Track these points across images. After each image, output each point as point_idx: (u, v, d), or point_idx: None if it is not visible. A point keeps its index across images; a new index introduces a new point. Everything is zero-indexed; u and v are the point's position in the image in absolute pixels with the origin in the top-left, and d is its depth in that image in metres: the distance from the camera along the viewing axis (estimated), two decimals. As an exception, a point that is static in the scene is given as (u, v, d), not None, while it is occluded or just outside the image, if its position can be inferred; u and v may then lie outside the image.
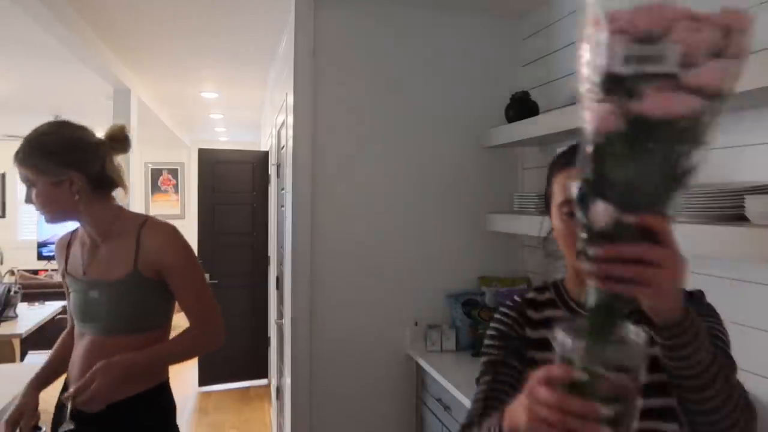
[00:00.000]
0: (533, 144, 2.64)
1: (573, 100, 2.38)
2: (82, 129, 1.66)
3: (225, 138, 8.92)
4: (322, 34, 2.67)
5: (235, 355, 5.27)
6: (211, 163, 5.24)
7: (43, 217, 1.58)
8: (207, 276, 5.09)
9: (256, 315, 5.30)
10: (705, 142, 0.62)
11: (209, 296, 1.63)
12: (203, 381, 5.20)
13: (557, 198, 0.99)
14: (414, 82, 2.77)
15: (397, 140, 2.75)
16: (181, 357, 1.61)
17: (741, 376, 1.48)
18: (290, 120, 2.78)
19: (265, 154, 5.41)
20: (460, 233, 2.81)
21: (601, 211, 0.62)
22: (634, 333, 0.65)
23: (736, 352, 1.64)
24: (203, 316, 1.60)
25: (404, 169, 2.76)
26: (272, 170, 4.54)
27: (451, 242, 2.81)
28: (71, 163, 1.55)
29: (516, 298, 1.09)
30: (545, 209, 1.06)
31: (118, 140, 1.73)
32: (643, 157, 0.60)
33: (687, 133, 0.59)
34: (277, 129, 3.81)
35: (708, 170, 1.83)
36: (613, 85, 0.59)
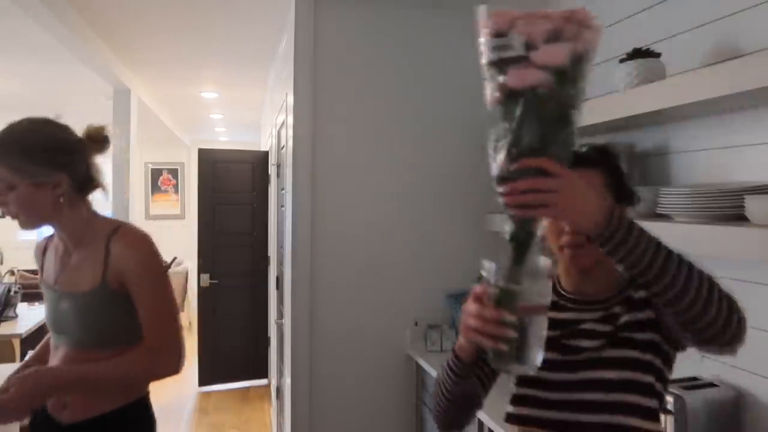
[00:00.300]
0: (533, 144, 2.64)
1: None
2: (65, 128, 1.49)
3: (225, 138, 8.92)
4: (322, 34, 2.67)
5: (235, 355, 5.27)
6: (211, 163, 5.24)
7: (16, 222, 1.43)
8: (207, 276, 5.11)
9: (256, 315, 5.29)
10: (568, 106, 0.83)
11: (171, 318, 1.44)
12: (203, 381, 5.20)
13: None
14: (414, 81, 2.77)
15: (397, 140, 2.75)
16: (121, 381, 1.42)
17: (742, 376, 1.47)
18: (290, 120, 2.78)
19: (265, 154, 5.40)
20: (460, 233, 2.81)
21: (502, 160, 0.84)
22: (542, 260, 0.88)
23: (738, 351, 1.64)
24: (157, 339, 1.41)
25: (404, 169, 2.76)
26: (272, 170, 4.54)
27: (451, 242, 2.81)
28: (59, 164, 1.42)
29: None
30: None
31: (97, 141, 1.54)
32: (521, 118, 0.82)
33: (543, 98, 0.81)
34: (277, 129, 3.81)
35: (708, 170, 1.84)
36: (492, 69, 0.86)
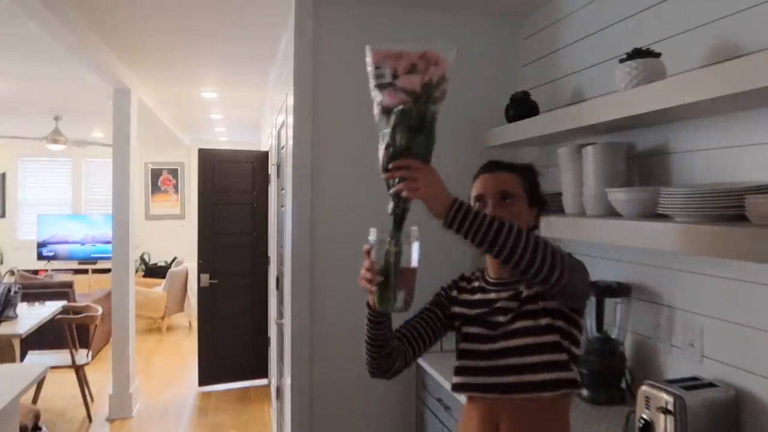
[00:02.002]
0: (533, 144, 2.64)
1: (573, 100, 2.38)
2: None
3: (225, 138, 8.92)
4: (322, 35, 2.67)
5: (235, 355, 5.27)
6: (211, 163, 5.24)
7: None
8: (207, 276, 5.12)
9: (256, 315, 5.29)
10: (423, 119, 1.21)
11: None
12: (203, 381, 5.20)
13: (473, 195, 1.45)
14: (414, 82, 2.76)
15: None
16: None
17: (741, 376, 1.47)
18: (290, 120, 2.78)
19: (265, 154, 5.41)
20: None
21: (383, 156, 1.22)
22: (413, 229, 1.25)
23: (738, 351, 1.65)
24: None
25: (404, 169, 2.75)
26: (272, 170, 4.54)
27: (452, 242, 2.80)
28: None
29: (462, 274, 1.62)
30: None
31: None
32: (393, 127, 1.20)
33: (406, 112, 1.19)
34: (277, 129, 3.81)
35: (708, 170, 1.84)
36: (374, 91, 1.23)
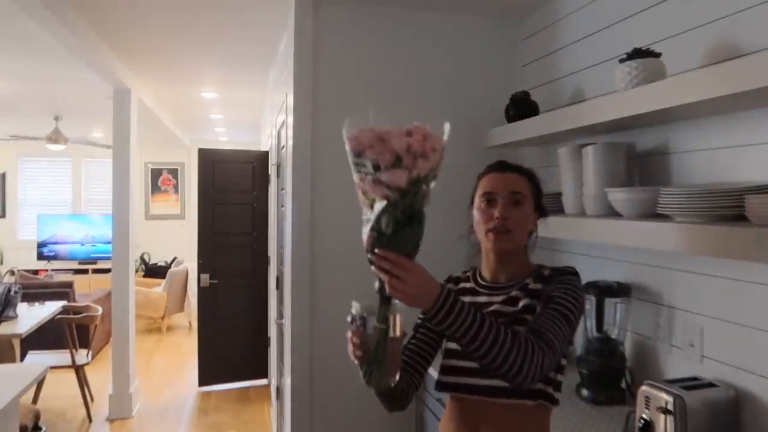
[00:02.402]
0: (533, 144, 2.64)
1: (573, 100, 2.38)
2: None
3: (225, 138, 8.92)
4: (322, 35, 2.67)
5: (235, 355, 5.27)
6: (211, 163, 5.24)
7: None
8: (207, 276, 5.12)
9: (256, 315, 5.29)
10: (412, 212, 1.10)
11: None
12: (203, 381, 5.20)
13: (479, 192, 1.42)
14: (413, 82, 2.77)
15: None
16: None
17: (741, 376, 1.47)
18: (290, 120, 2.78)
19: (265, 154, 5.40)
20: (459, 233, 2.80)
21: (367, 238, 1.12)
22: (397, 303, 1.17)
23: (737, 351, 1.65)
24: None
25: (404, 169, 2.76)
26: (272, 170, 4.54)
27: (451, 242, 2.80)
28: None
29: (451, 274, 1.58)
30: (471, 202, 1.47)
31: None
32: (378, 214, 1.09)
33: (392, 205, 1.08)
34: (277, 129, 3.81)
35: (708, 170, 1.83)
36: (354, 171, 1.14)
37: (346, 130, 1.11)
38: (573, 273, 1.37)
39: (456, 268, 1.69)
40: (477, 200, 1.42)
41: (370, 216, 1.11)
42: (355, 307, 1.25)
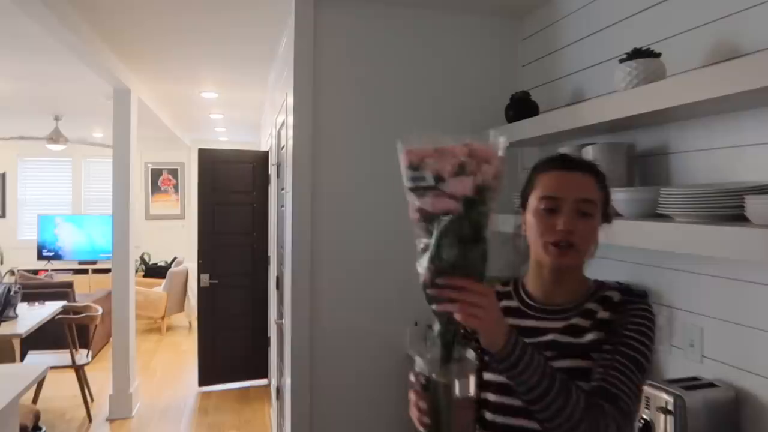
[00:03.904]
0: (533, 144, 2.64)
1: (573, 100, 2.38)
2: None
3: (225, 138, 8.92)
4: (322, 35, 2.67)
5: (235, 355, 5.27)
6: (211, 163, 5.24)
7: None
8: (207, 276, 5.12)
9: (256, 315, 5.29)
10: (478, 228, 0.96)
11: None
12: (203, 381, 5.20)
13: (538, 193, 1.17)
14: (413, 82, 2.77)
15: (397, 140, 2.75)
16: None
17: (741, 376, 1.47)
18: (290, 120, 2.78)
19: (265, 154, 5.40)
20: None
21: (426, 272, 0.97)
22: (468, 354, 1.02)
23: (737, 351, 1.64)
24: None
25: (404, 169, 2.76)
26: (272, 170, 4.54)
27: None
28: None
29: None
30: (521, 207, 1.24)
31: None
32: (438, 238, 0.95)
33: (455, 221, 0.95)
34: (277, 129, 3.81)
35: (708, 170, 1.83)
36: (410, 192, 0.99)
37: (401, 148, 1.00)
38: (646, 302, 1.19)
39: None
40: (534, 202, 1.18)
41: (425, 242, 0.98)
42: (419, 364, 1.05)
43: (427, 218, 0.97)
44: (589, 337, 1.12)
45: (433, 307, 0.98)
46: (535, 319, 1.17)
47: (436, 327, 1.00)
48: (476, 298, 0.94)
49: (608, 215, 1.20)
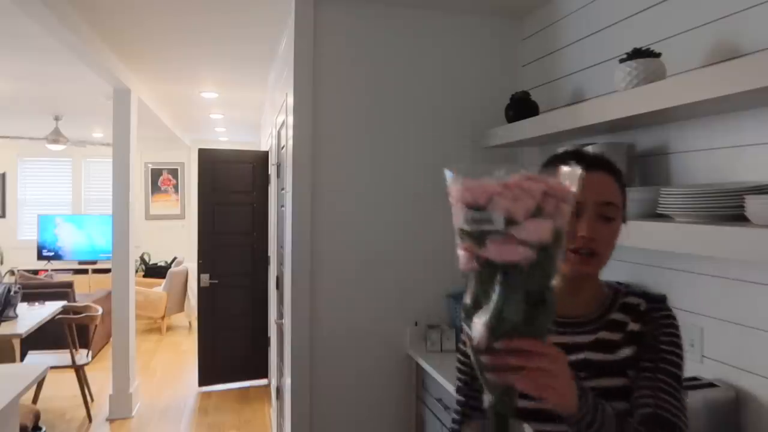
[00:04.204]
0: (533, 144, 2.64)
1: (573, 100, 2.38)
2: None
3: (225, 138, 8.92)
4: (322, 34, 2.67)
5: (235, 355, 5.27)
6: (211, 163, 5.24)
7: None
8: (207, 276, 5.12)
9: (256, 315, 5.29)
10: (548, 280, 0.79)
11: None
12: (203, 381, 5.20)
13: None
14: (414, 82, 2.77)
15: (397, 140, 2.75)
16: None
17: (741, 376, 1.46)
18: (290, 120, 2.78)
19: (265, 154, 5.40)
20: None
21: (482, 333, 0.78)
22: (526, 427, 0.88)
23: (737, 351, 1.64)
24: None
25: (404, 169, 2.76)
26: (272, 170, 4.54)
27: (451, 242, 2.78)
28: None
29: None
30: None
31: None
32: (503, 293, 0.77)
33: (523, 272, 0.76)
34: (277, 129, 3.81)
35: (708, 170, 1.83)
36: (465, 236, 0.80)
37: (456, 181, 0.83)
38: (669, 308, 1.12)
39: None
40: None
41: (475, 295, 0.82)
42: None
43: (489, 268, 0.79)
44: (624, 352, 1.06)
45: (488, 376, 0.81)
46: (560, 335, 1.07)
47: (487, 398, 0.83)
48: (547, 363, 0.80)
49: (625, 216, 1.11)
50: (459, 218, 0.81)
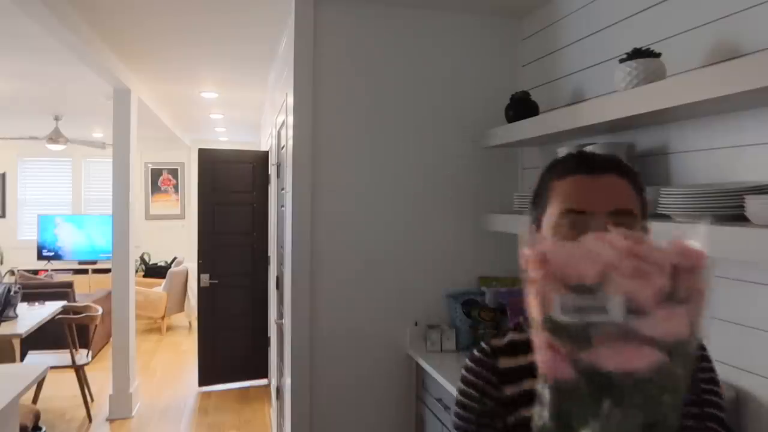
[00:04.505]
0: (533, 144, 2.64)
1: (573, 100, 2.38)
2: None
3: (225, 138, 8.92)
4: (322, 34, 2.67)
5: (235, 355, 5.27)
6: (211, 163, 5.24)
7: None
8: (207, 276, 5.12)
9: (256, 315, 5.29)
10: (678, 398, 0.56)
11: None
12: (203, 381, 5.20)
13: (557, 207, 0.90)
14: (414, 82, 2.77)
15: (397, 140, 2.75)
16: None
17: (741, 376, 1.47)
18: (290, 120, 2.78)
19: (265, 154, 5.40)
20: (460, 233, 2.81)
21: None
22: None
23: (738, 351, 1.64)
24: None
25: (404, 169, 2.76)
26: (272, 170, 4.54)
27: (451, 242, 2.81)
28: None
29: (484, 346, 0.97)
30: (535, 219, 0.95)
31: None
32: (606, 411, 0.53)
33: (649, 386, 0.53)
34: (277, 129, 3.81)
35: (708, 170, 1.83)
36: (560, 332, 0.53)
37: (531, 242, 0.61)
38: (702, 345, 1.03)
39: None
40: (552, 218, 0.90)
41: (555, 415, 0.56)
42: None
43: (592, 381, 0.53)
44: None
45: None
46: None
47: None
48: None
49: (646, 225, 0.92)
50: (546, 303, 0.54)
